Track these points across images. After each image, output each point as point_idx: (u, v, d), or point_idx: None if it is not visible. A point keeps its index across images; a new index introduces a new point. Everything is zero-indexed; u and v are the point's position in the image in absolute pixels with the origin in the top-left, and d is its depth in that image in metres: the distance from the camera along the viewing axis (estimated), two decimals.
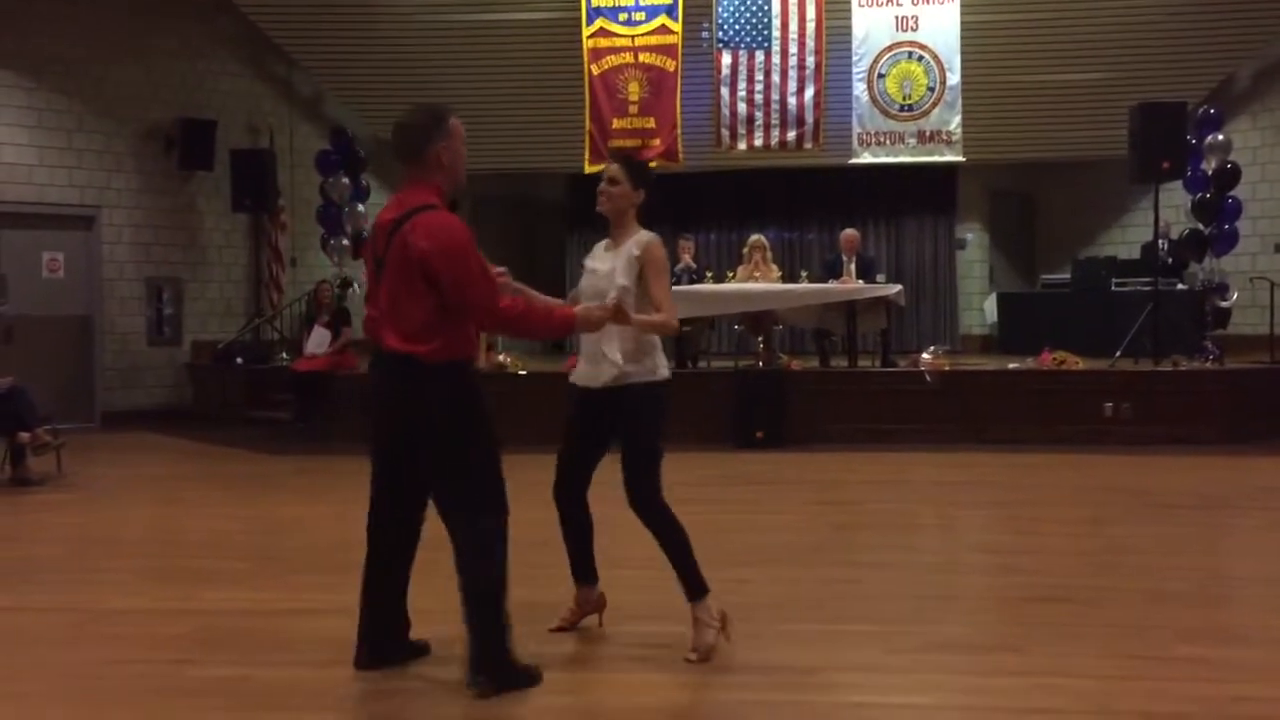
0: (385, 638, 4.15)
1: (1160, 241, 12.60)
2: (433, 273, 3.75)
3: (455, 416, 3.84)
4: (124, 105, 13.21)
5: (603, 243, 4.49)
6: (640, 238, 4.36)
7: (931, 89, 13.34)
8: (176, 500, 8.42)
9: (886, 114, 13.47)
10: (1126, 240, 14.84)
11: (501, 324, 4.06)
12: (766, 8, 13.33)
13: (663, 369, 4.34)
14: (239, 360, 13.00)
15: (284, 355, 13.00)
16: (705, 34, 13.67)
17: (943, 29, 13.26)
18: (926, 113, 13.41)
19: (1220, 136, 12.52)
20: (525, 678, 3.94)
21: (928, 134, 13.45)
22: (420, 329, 3.79)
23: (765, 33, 13.38)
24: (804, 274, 12.34)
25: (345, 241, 13.86)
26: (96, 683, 4.17)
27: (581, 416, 4.38)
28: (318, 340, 11.71)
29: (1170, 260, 12.71)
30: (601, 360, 4.26)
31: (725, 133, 13.58)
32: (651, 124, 13.55)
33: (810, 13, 13.30)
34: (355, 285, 13.93)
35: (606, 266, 4.36)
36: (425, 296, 3.78)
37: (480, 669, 3.87)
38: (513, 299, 4.05)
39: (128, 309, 13.29)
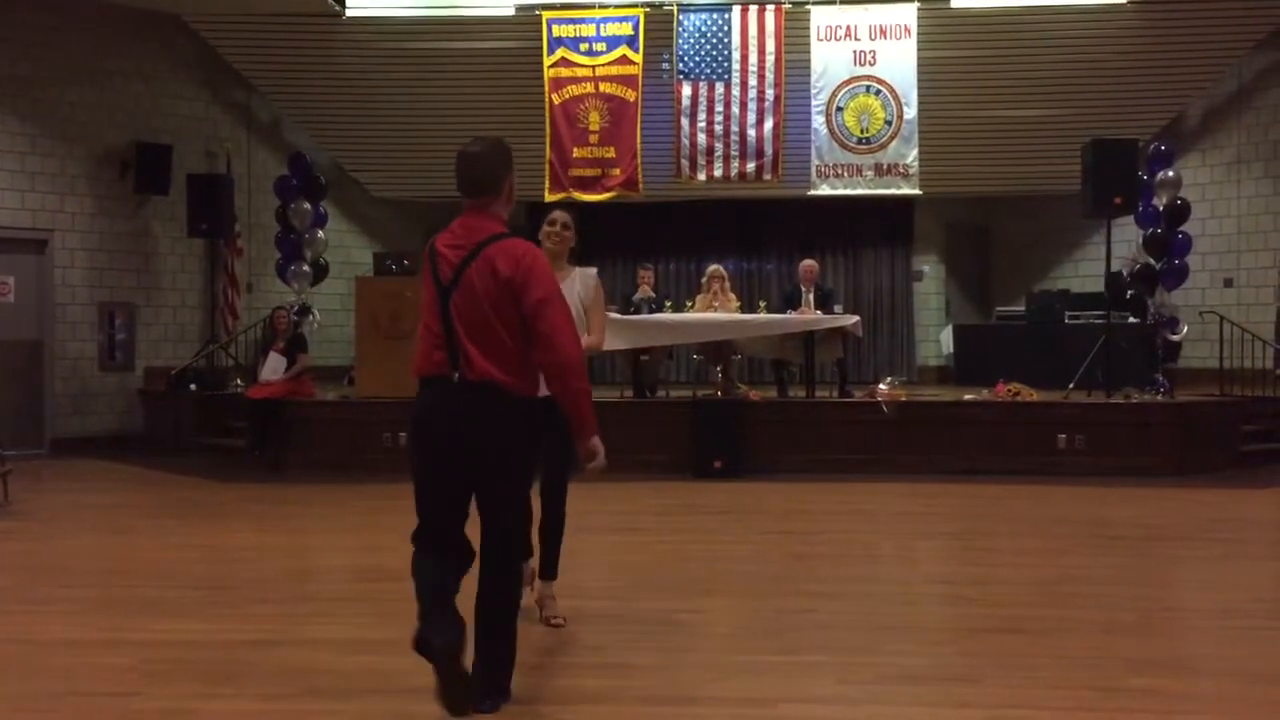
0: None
1: (1125, 273, 12.80)
2: (518, 295, 3.77)
3: (527, 449, 3.94)
4: (79, 128, 13.09)
5: None
6: (588, 271, 5.15)
7: (889, 122, 13.49)
8: (127, 529, 8.28)
9: (844, 146, 13.60)
10: (1080, 274, 15.06)
11: (572, 355, 3.82)
12: (726, 40, 13.45)
13: None
14: (193, 386, 12.86)
15: (239, 382, 12.87)
16: (666, 65, 13.75)
17: (900, 64, 13.42)
18: (884, 146, 13.54)
19: (1171, 173, 12.76)
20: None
21: (885, 167, 13.58)
22: (512, 361, 3.81)
23: (725, 65, 13.49)
24: (762, 304, 12.40)
25: (305, 268, 13.77)
26: (42, 716, 4.08)
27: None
28: (273, 367, 11.59)
29: (1130, 293, 12.88)
30: None
31: (685, 163, 13.64)
32: (612, 153, 13.59)
33: (770, 46, 13.42)
34: (314, 312, 13.84)
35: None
36: (516, 327, 3.80)
37: (494, 691, 3.93)
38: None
39: (79, 334, 13.11)
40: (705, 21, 13.44)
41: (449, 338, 3.79)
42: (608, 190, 13.58)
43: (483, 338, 3.77)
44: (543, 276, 3.82)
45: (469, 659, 3.85)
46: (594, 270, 5.20)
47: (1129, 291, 12.83)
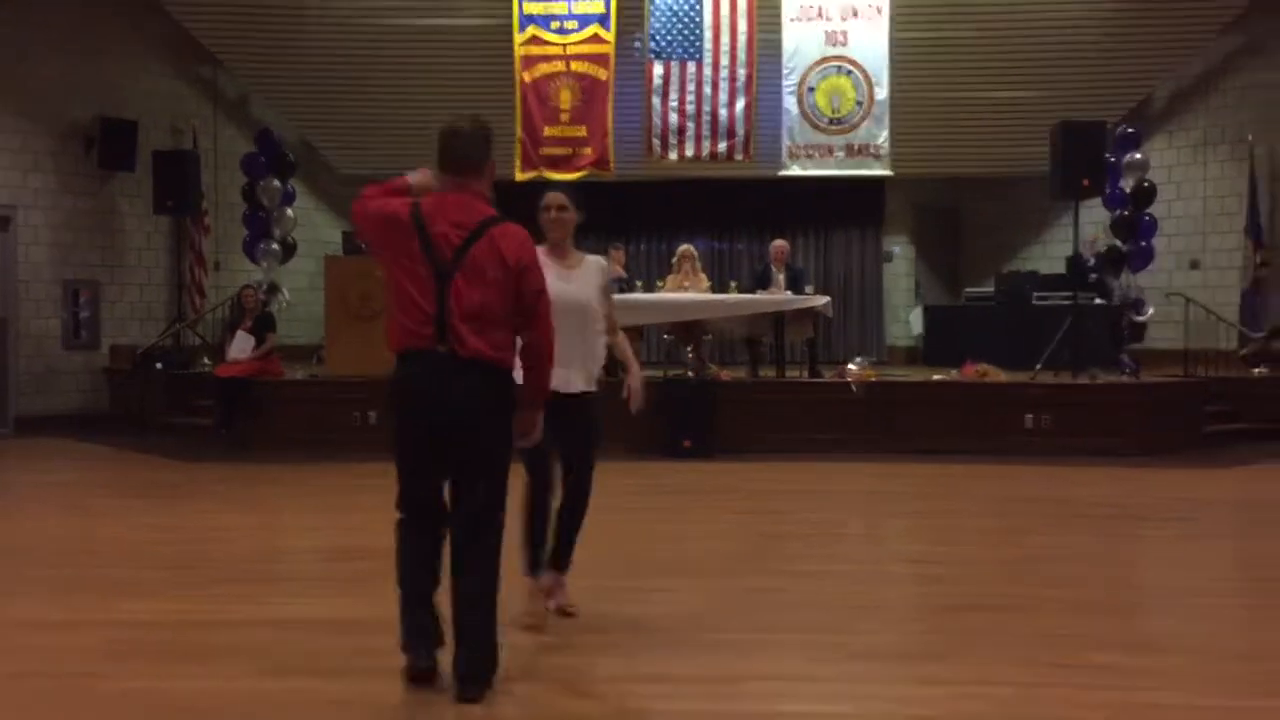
0: (433, 645, 4.01)
1: (1087, 256, 12.90)
2: (519, 281, 3.91)
3: (510, 421, 4.03)
4: (42, 103, 12.89)
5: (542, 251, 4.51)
6: (601, 261, 4.93)
7: (860, 103, 13.50)
8: (92, 508, 8.21)
9: (816, 127, 13.61)
10: (1048, 255, 15.14)
11: (549, 343, 4.02)
12: (698, 20, 13.41)
13: None
14: (159, 365, 12.72)
15: (206, 360, 12.76)
16: (637, 44, 13.71)
17: (872, 45, 13.43)
18: (855, 126, 13.56)
19: (1138, 155, 12.84)
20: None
21: (856, 147, 13.60)
22: (505, 340, 3.94)
23: (697, 44, 13.46)
24: (733, 284, 12.40)
25: (274, 246, 13.64)
26: (6, 697, 4.04)
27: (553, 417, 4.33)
28: (240, 345, 11.50)
29: (1095, 276, 12.97)
30: (577, 369, 4.64)
31: (656, 143, 13.61)
32: (583, 132, 13.54)
33: (741, 26, 13.40)
34: (283, 291, 13.73)
35: (574, 285, 4.66)
36: (510, 309, 3.93)
37: (481, 676, 3.91)
38: None
39: (43, 311, 12.95)
40: (677, 0, 13.39)
41: (440, 315, 3.83)
42: (579, 169, 13.54)
43: (479, 318, 3.85)
44: (539, 266, 4.02)
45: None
46: (603, 261, 4.99)
47: (1091, 274, 12.93)
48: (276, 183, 13.58)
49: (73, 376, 13.19)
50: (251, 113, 14.68)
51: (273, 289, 13.43)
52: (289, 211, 13.80)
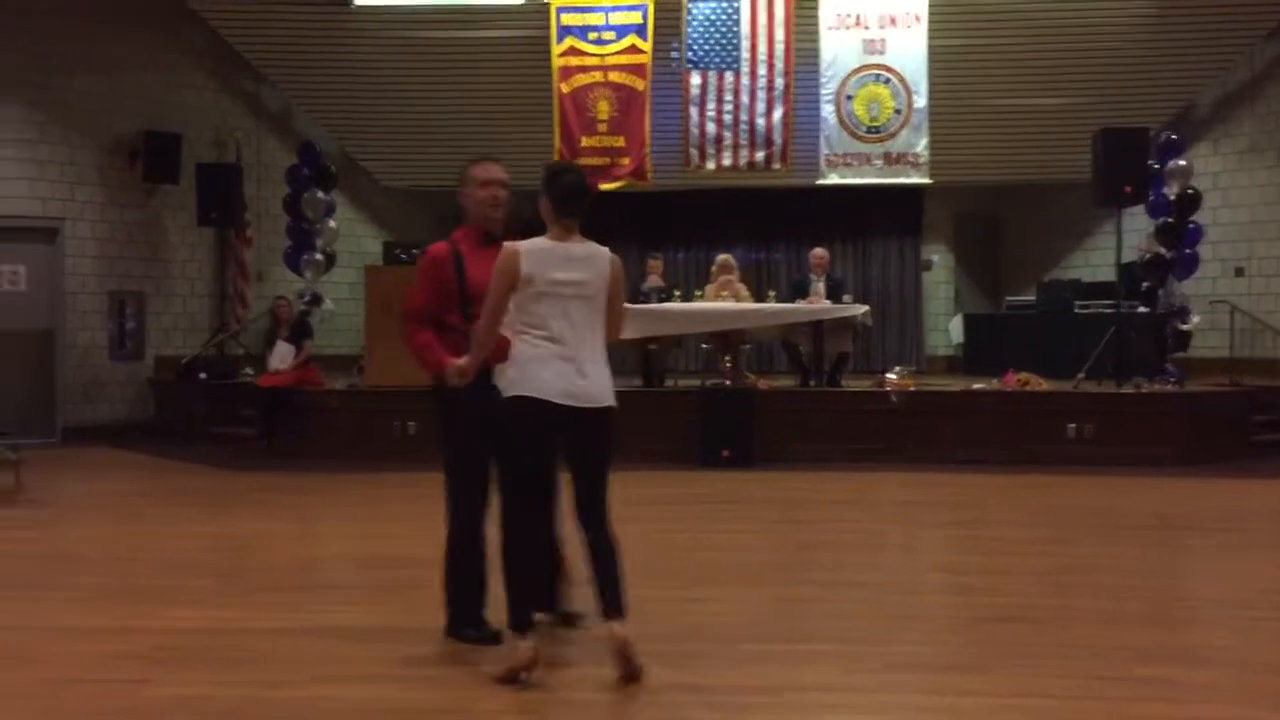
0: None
1: (1139, 262, 12.77)
2: None
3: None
4: (88, 117, 13.10)
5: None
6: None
7: (899, 111, 13.45)
8: (137, 517, 8.32)
9: (854, 136, 13.56)
10: (1090, 263, 15.01)
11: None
12: (735, 29, 13.41)
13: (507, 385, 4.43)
14: (203, 375, 12.88)
15: (248, 371, 12.90)
16: (675, 54, 13.72)
17: (910, 52, 13.38)
18: (893, 135, 13.51)
19: (1182, 162, 12.69)
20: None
21: (894, 156, 13.55)
22: None
23: (734, 54, 13.46)
24: (771, 294, 12.37)
25: (317, 256, 13.77)
26: (52, 703, 4.10)
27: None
28: (281, 356, 11.62)
29: (1148, 284, 12.81)
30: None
31: (694, 152, 13.62)
32: (621, 143, 13.58)
33: (779, 34, 13.39)
34: (326, 301, 13.85)
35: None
36: None
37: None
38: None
39: (89, 323, 13.15)
40: (714, 10, 13.41)
41: None
42: (616, 179, 13.58)
43: None
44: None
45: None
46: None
47: (1144, 283, 12.78)
48: (320, 194, 13.72)
49: (118, 387, 13.38)
50: (294, 125, 14.85)
51: (315, 299, 13.56)
52: (331, 223, 13.94)
